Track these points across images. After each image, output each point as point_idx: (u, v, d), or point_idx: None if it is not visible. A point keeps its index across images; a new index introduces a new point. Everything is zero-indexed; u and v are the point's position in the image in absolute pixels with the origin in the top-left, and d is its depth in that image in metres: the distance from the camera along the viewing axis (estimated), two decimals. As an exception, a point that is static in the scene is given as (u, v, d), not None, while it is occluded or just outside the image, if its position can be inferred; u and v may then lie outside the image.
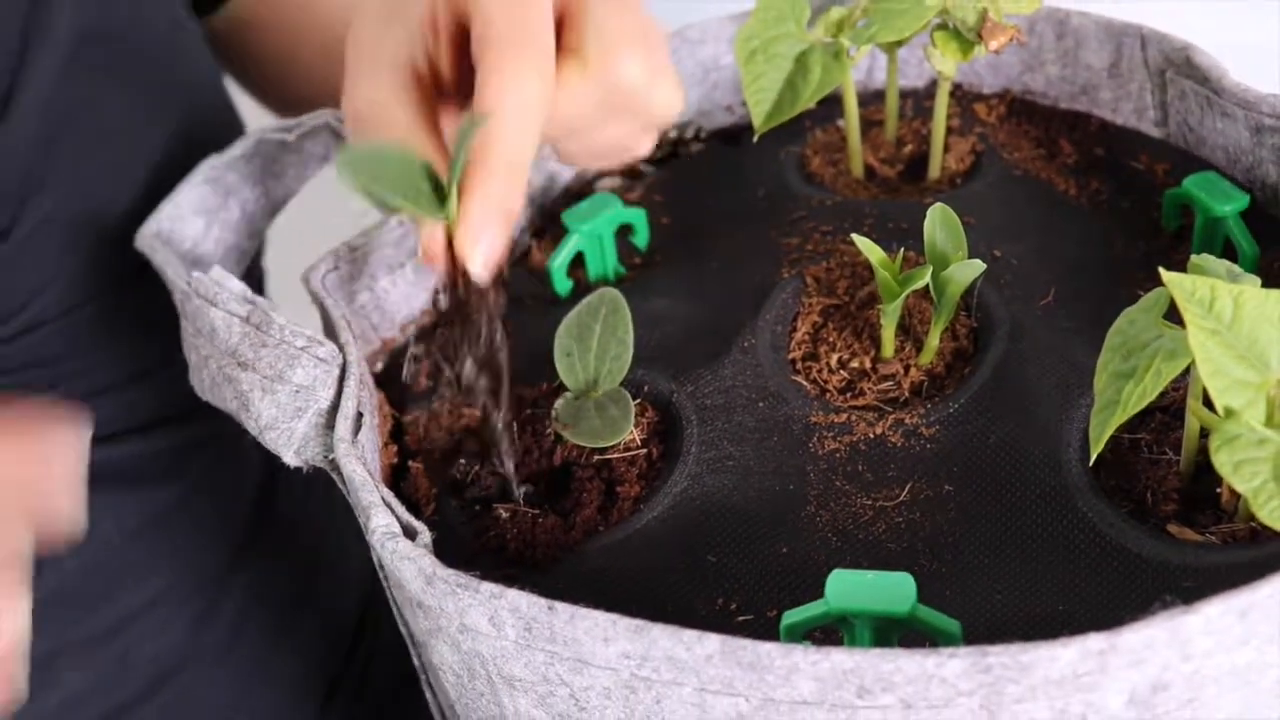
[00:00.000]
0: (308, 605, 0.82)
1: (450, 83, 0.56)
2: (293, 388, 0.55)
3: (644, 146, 0.60)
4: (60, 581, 0.70)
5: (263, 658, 0.79)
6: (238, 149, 0.64)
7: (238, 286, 0.57)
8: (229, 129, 0.75)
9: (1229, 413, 0.46)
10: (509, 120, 0.51)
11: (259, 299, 0.56)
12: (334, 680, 0.83)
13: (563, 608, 0.45)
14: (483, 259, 0.51)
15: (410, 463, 0.60)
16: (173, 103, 0.70)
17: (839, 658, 0.42)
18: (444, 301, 0.53)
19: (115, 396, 0.70)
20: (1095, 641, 0.42)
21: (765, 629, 0.50)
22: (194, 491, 0.75)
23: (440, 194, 0.51)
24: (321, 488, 0.81)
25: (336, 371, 0.55)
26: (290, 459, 0.56)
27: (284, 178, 0.65)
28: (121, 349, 0.70)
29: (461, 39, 0.55)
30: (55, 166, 0.65)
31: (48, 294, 0.66)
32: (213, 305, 0.56)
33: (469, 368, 0.53)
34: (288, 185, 0.65)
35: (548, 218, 0.70)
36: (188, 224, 0.64)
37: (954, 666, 0.42)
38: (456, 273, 0.51)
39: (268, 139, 0.63)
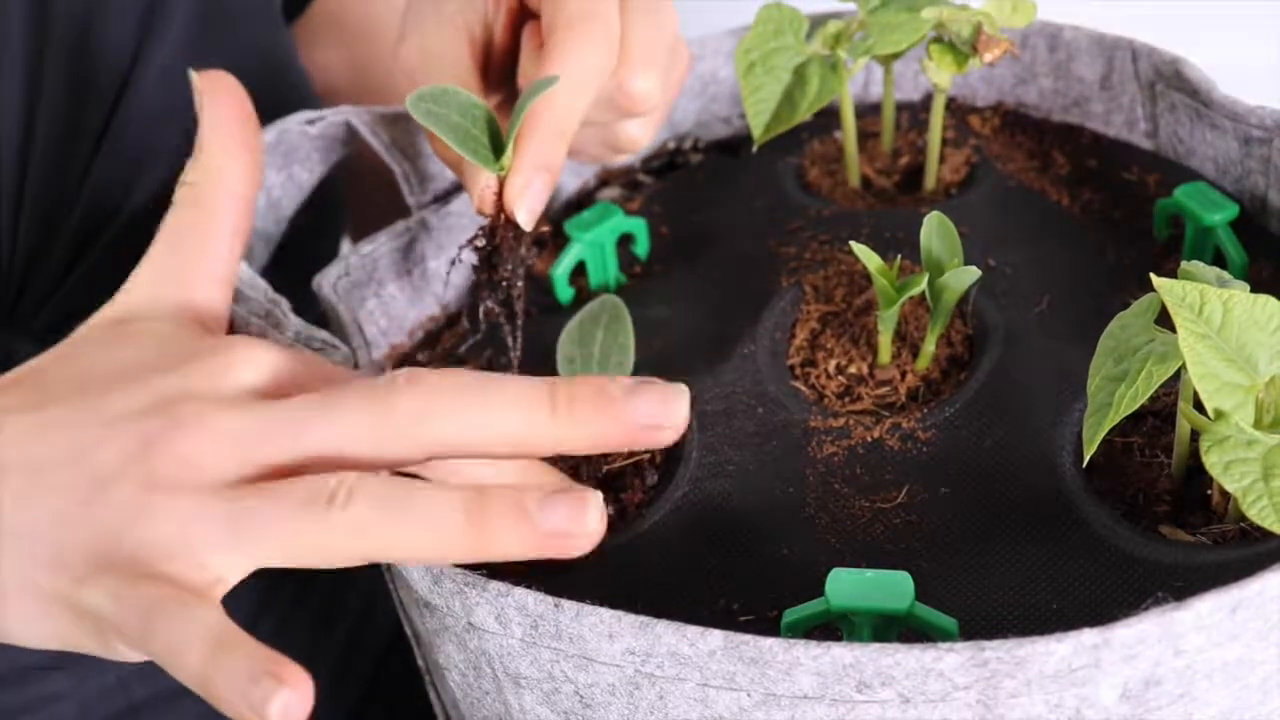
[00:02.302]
0: (342, 615, 0.83)
1: (499, 53, 0.61)
2: (304, 390, 0.56)
3: (602, 155, 0.66)
4: None
5: (305, 654, 0.80)
6: (262, 138, 0.65)
7: (260, 284, 0.58)
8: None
9: (1219, 415, 0.47)
10: (565, 89, 0.56)
11: (280, 298, 0.57)
12: (365, 682, 0.84)
13: (569, 605, 0.46)
14: (528, 209, 0.56)
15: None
16: (273, 94, 0.72)
17: (839, 652, 0.43)
18: (481, 245, 0.57)
19: None
20: (1089, 636, 0.43)
21: (766, 628, 0.50)
22: None
23: (495, 146, 0.56)
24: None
25: None
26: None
27: (308, 164, 0.66)
28: None
29: (518, 15, 0.61)
30: (171, 139, 0.67)
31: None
32: (235, 302, 0.57)
33: (491, 306, 0.58)
34: (313, 170, 0.66)
35: (549, 227, 0.71)
36: None
37: (951, 661, 0.43)
38: (498, 220, 0.56)
39: (291, 129, 0.64)
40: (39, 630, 0.47)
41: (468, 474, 0.48)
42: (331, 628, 0.84)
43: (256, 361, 0.48)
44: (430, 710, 0.63)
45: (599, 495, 0.45)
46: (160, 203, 0.55)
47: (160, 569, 0.45)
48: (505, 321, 0.59)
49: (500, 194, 0.56)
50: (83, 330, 0.51)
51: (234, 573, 0.45)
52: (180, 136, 0.67)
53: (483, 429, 0.45)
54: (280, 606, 0.80)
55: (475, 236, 0.58)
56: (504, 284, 0.58)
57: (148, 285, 0.51)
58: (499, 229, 0.57)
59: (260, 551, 0.45)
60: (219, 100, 0.53)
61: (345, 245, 0.86)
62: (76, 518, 0.46)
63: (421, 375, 0.45)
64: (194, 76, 0.53)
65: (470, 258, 0.59)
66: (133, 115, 0.67)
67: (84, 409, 0.47)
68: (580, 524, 0.44)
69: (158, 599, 0.44)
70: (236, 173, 0.52)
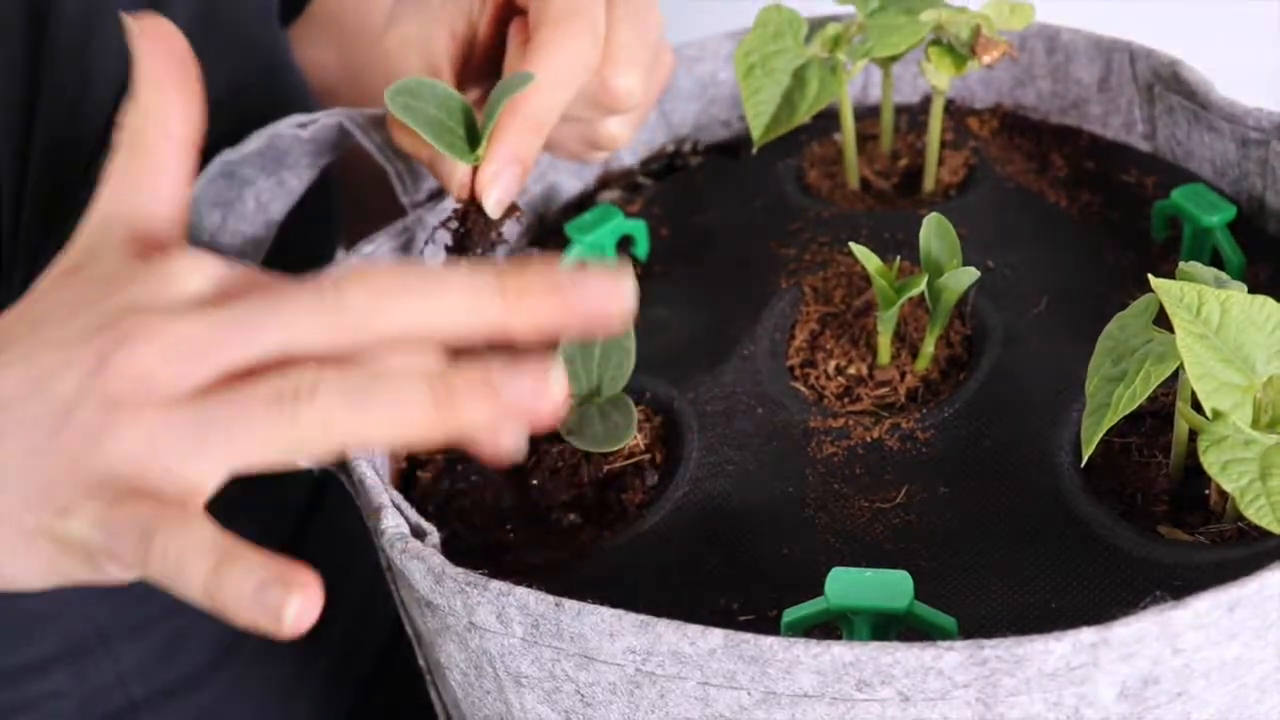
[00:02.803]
0: (346, 603, 0.83)
1: (483, 47, 0.63)
2: (305, 391, 0.56)
3: (582, 152, 0.67)
4: None
5: (303, 652, 0.80)
6: (252, 144, 0.65)
7: None
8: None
9: (1217, 415, 0.47)
10: (544, 85, 0.58)
11: None
12: (364, 681, 0.84)
13: (570, 604, 0.46)
14: (496, 199, 0.59)
15: (419, 472, 0.61)
16: (271, 95, 0.72)
17: (839, 651, 0.44)
18: (454, 227, 0.61)
19: None
20: (1087, 635, 0.43)
21: (766, 627, 0.51)
22: (245, 489, 0.76)
23: (470, 137, 0.58)
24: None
25: None
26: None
27: (298, 169, 0.66)
28: None
29: (504, 10, 0.62)
30: None
31: None
32: None
33: None
34: (302, 176, 0.67)
35: (549, 229, 0.72)
36: (204, 217, 0.65)
37: (951, 659, 0.43)
38: (471, 206, 0.59)
39: (282, 134, 0.65)
40: (29, 567, 0.47)
41: (421, 365, 0.48)
42: (330, 626, 0.84)
43: (199, 270, 0.47)
44: (431, 710, 0.63)
45: (559, 364, 0.45)
46: None
47: (135, 485, 0.45)
48: None
49: (473, 182, 0.59)
50: (39, 282, 0.51)
51: (209, 479, 0.45)
52: None
53: (433, 315, 0.45)
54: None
55: (448, 219, 0.61)
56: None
57: (94, 230, 0.51)
58: (470, 215, 0.60)
59: (230, 455, 0.45)
60: (153, 43, 0.53)
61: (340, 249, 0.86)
62: (47, 448, 0.46)
63: (367, 268, 0.45)
64: (126, 20, 0.53)
65: (445, 238, 0.61)
66: None
67: (38, 343, 0.47)
68: (544, 392, 0.44)
69: (148, 519, 0.44)
70: (173, 113, 0.52)
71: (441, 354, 0.46)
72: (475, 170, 0.59)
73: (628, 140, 0.66)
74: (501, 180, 0.58)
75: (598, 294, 0.44)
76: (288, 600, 0.42)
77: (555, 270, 0.45)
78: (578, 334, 0.46)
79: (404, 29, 0.62)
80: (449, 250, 0.61)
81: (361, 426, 0.44)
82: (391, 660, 0.87)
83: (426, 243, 0.64)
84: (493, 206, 0.59)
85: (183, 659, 0.74)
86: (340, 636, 0.84)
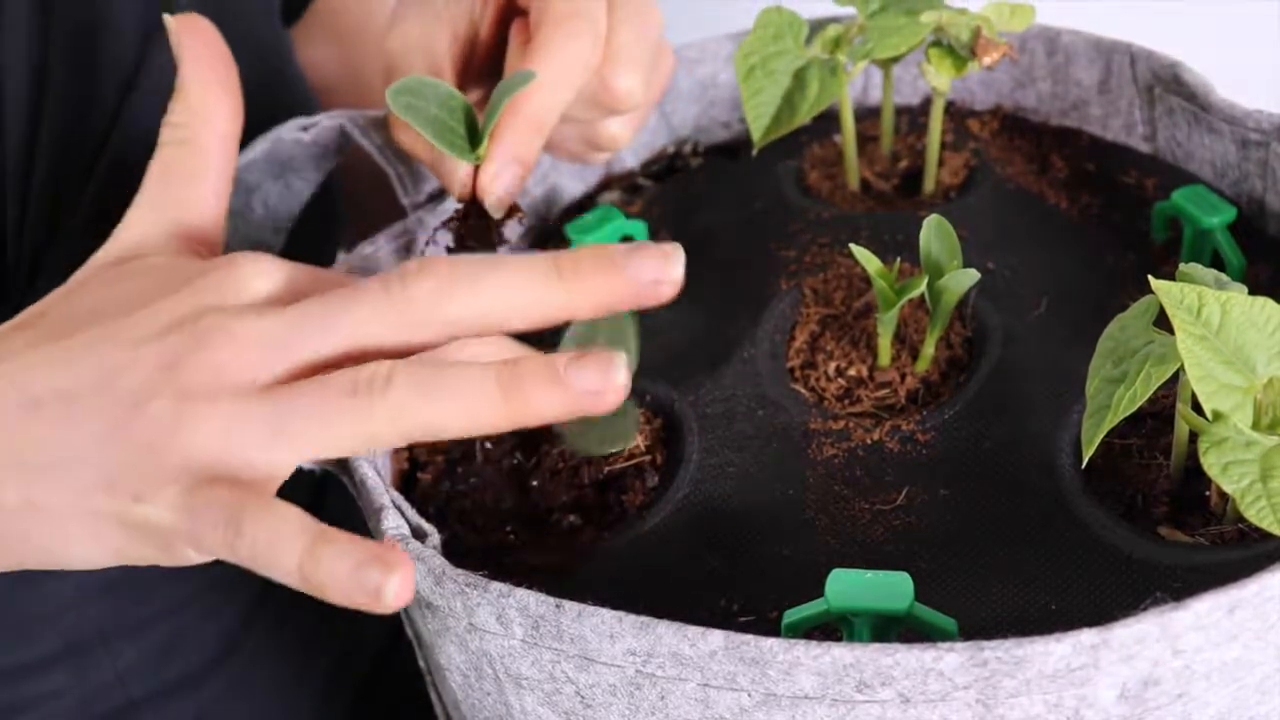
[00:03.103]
0: (340, 614, 0.83)
1: (485, 48, 0.63)
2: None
3: (582, 153, 0.68)
4: (119, 570, 0.71)
5: (303, 652, 0.80)
6: (257, 149, 0.65)
7: None
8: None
9: (1217, 416, 0.47)
10: (545, 85, 0.58)
11: None
12: (364, 681, 0.84)
13: (570, 605, 0.46)
14: (497, 199, 0.59)
15: (419, 474, 0.61)
16: (273, 93, 0.72)
17: (839, 652, 0.44)
18: (455, 229, 0.60)
19: None
20: (1088, 636, 0.43)
21: (767, 629, 0.51)
22: None
23: (471, 137, 0.58)
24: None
25: None
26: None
27: (304, 172, 0.66)
28: None
29: (506, 11, 0.62)
30: None
31: None
32: None
33: None
34: (308, 179, 0.67)
35: (550, 230, 0.72)
36: None
37: (951, 660, 0.43)
38: (472, 206, 0.59)
39: (285, 138, 0.65)
40: (99, 552, 0.49)
41: (490, 356, 0.49)
42: (331, 625, 0.84)
43: (266, 271, 0.49)
44: (430, 711, 0.63)
45: (622, 354, 0.46)
46: None
47: (215, 472, 0.46)
48: None
49: (474, 182, 0.59)
50: (82, 272, 0.52)
51: (284, 467, 0.47)
52: None
53: (498, 304, 0.46)
54: (278, 605, 0.80)
55: (450, 219, 0.60)
56: None
57: (142, 223, 0.52)
58: (471, 215, 0.60)
59: (305, 444, 0.46)
60: (196, 42, 0.53)
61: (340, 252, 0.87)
62: (117, 439, 0.47)
63: (432, 262, 0.47)
64: (168, 20, 0.54)
65: (447, 239, 0.61)
66: (137, 116, 0.68)
67: (103, 338, 0.48)
68: (610, 380, 0.46)
69: (233, 504, 0.46)
70: (221, 111, 0.53)
71: (511, 344, 0.48)
72: (477, 170, 0.59)
73: (628, 141, 0.66)
74: (503, 179, 0.58)
75: (652, 267, 0.46)
76: (388, 579, 0.44)
77: (608, 249, 0.47)
78: (635, 306, 0.48)
79: (406, 29, 0.62)
80: (450, 251, 0.61)
81: (434, 417, 0.46)
82: (391, 660, 0.87)
83: (427, 244, 0.64)
84: (494, 206, 0.59)
85: (183, 659, 0.74)
86: (340, 636, 0.84)
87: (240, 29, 0.73)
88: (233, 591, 0.77)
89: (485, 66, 0.64)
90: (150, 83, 0.68)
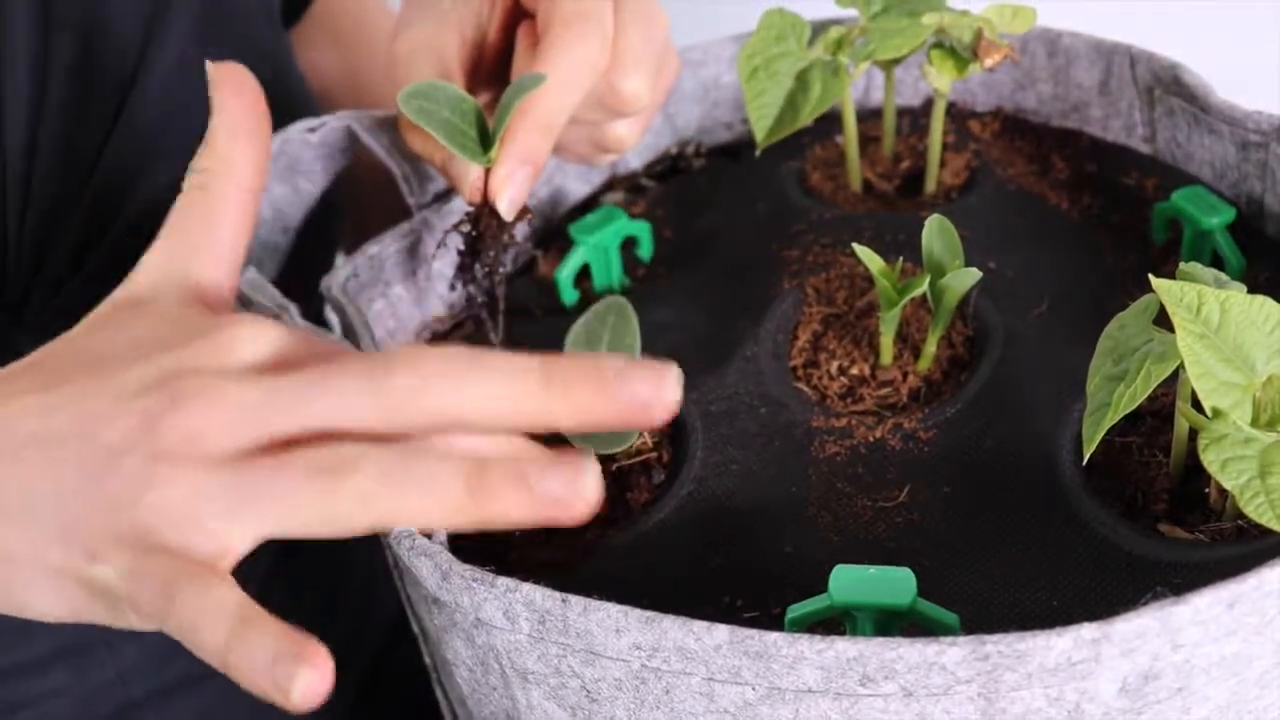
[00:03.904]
0: (339, 613, 0.83)
1: (492, 51, 0.63)
2: (315, 390, 0.56)
3: (589, 155, 0.68)
4: None
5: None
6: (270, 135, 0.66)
7: (270, 290, 0.58)
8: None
9: (1216, 413, 0.48)
10: (553, 88, 0.58)
11: (288, 303, 0.58)
12: (364, 680, 0.84)
13: (576, 600, 0.47)
14: (509, 201, 0.59)
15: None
16: (272, 96, 0.73)
17: (843, 646, 0.44)
18: (466, 230, 0.61)
19: None
20: (1089, 631, 0.43)
21: (770, 625, 0.51)
22: None
23: (482, 140, 0.59)
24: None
25: None
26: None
27: (312, 174, 0.67)
28: None
29: (513, 14, 0.63)
30: (174, 139, 0.68)
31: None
32: (246, 308, 0.58)
33: (473, 289, 0.62)
34: (316, 181, 0.67)
35: (554, 231, 0.72)
36: None
37: (954, 654, 0.43)
38: (482, 209, 0.60)
39: (292, 139, 0.65)
40: (52, 603, 0.48)
41: (464, 446, 0.49)
42: (331, 624, 0.84)
43: (260, 338, 0.49)
44: (431, 709, 0.64)
45: (595, 462, 0.45)
46: (164, 203, 0.56)
47: (169, 539, 0.46)
48: (485, 308, 0.63)
49: (486, 184, 0.59)
50: (95, 314, 0.52)
51: (242, 542, 0.46)
52: (183, 137, 0.68)
53: (479, 407, 0.46)
54: (278, 605, 0.80)
55: (460, 222, 0.61)
56: (487, 270, 0.61)
57: (156, 268, 0.52)
58: (483, 217, 0.60)
59: (266, 521, 0.46)
60: (231, 92, 0.54)
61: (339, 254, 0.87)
62: (88, 491, 0.47)
63: (417, 351, 0.46)
64: (210, 67, 0.54)
65: (457, 242, 0.62)
66: (137, 117, 0.68)
67: (93, 388, 0.48)
68: (577, 490, 0.45)
69: (174, 574, 0.45)
70: (244, 164, 0.53)
71: (497, 439, 0.47)
72: (488, 173, 0.59)
73: (634, 143, 0.66)
74: (515, 182, 0.59)
75: (643, 389, 0.45)
76: (299, 673, 0.43)
77: (602, 361, 0.45)
78: (621, 427, 0.46)
79: (413, 33, 0.62)
80: (461, 254, 0.62)
81: (397, 508, 0.45)
82: (391, 660, 0.87)
83: (439, 246, 0.65)
84: (506, 208, 0.59)
85: (183, 659, 0.74)
86: (340, 636, 0.84)
87: (240, 31, 0.74)
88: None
89: (493, 69, 0.65)
90: (149, 84, 0.68)
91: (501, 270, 0.62)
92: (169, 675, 0.73)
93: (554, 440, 0.59)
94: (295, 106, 0.76)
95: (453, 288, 0.64)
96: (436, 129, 0.58)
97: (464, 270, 0.62)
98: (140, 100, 0.68)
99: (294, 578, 0.82)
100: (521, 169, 0.59)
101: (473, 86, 0.63)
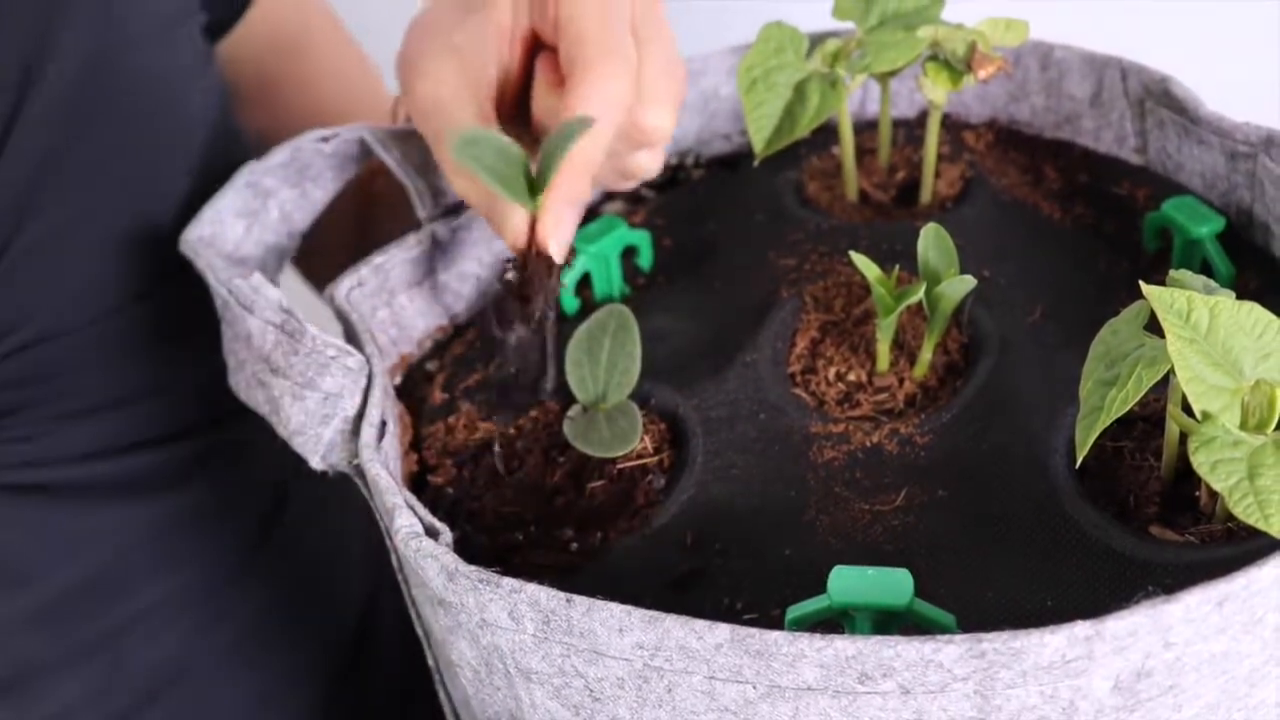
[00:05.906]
0: (308, 621, 0.83)
1: (513, 85, 0.64)
2: (321, 395, 0.57)
3: (613, 182, 0.68)
4: (61, 592, 0.70)
5: (262, 669, 0.80)
6: (276, 157, 0.66)
7: (274, 295, 0.59)
8: (234, 145, 0.75)
9: (1206, 417, 0.48)
10: (589, 130, 0.57)
11: (292, 308, 0.59)
12: (331, 695, 0.84)
13: (580, 600, 0.48)
14: (559, 242, 0.59)
15: (429, 476, 0.62)
16: (174, 126, 0.71)
17: (842, 644, 0.45)
18: (513, 276, 0.60)
19: (129, 410, 0.71)
20: (1082, 629, 0.44)
21: (770, 626, 0.51)
22: (200, 504, 0.76)
23: (529, 184, 0.58)
24: (329, 505, 0.83)
25: (364, 381, 0.58)
26: (316, 463, 0.58)
27: (321, 181, 0.67)
28: (132, 365, 0.71)
29: (532, 46, 0.63)
30: (56, 188, 0.65)
31: (46, 311, 0.66)
32: (249, 312, 0.59)
33: (523, 333, 0.61)
34: (325, 189, 0.68)
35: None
36: (229, 227, 0.65)
37: (950, 652, 0.44)
38: (530, 252, 0.59)
39: (304, 147, 0.66)
40: None
41: None
42: (327, 627, 0.84)
43: None
44: (430, 710, 0.64)
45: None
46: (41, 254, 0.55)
47: None
48: (537, 345, 0.62)
49: (532, 229, 0.59)
50: None
51: None
52: (68, 186, 0.66)
53: None
54: (277, 607, 0.80)
55: (505, 270, 0.60)
56: (536, 314, 0.60)
57: None
58: (530, 261, 0.59)
59: None
60: None
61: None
62: None
63: None
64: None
65: (499, 285, 0.61)
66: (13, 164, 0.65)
67: None
68: None
69: None
70: None
71: None
72: (533, 218, 0.59)
73: (657, 170, 0.66)
74: (564, 225, 0.59)
75: None
76: None
77: None
78: None
79: (438, 80, 0.62)
80: (506, 300, 0.61)
81: None
82: (390, 661, 0.87)
83: (501, 278, 0.63)
84: (557, 251, 0.59)
85: (125, 694, 0.74)
86: (338, 637, 0.85)
87: (129, 86, 0.68)
88: (234, 601, 0.77)
89: (514, 104, 0.65)
90: (31, 116, 0.65)
91: (550, 315, 0.61)
92: (111, 709, 0.73)
93: (562, 453, 0.61)
94: (194, 133, 0.71)
95: (498, 333, 0.63)
96: (489, 177, 0.56)
97: (510, 317, 0.61)
98: (20, 138, 0.64)
99: (294, 578, 0.82)
100: (568, 211, 0.59)
101: (498, 125, 0.62)
